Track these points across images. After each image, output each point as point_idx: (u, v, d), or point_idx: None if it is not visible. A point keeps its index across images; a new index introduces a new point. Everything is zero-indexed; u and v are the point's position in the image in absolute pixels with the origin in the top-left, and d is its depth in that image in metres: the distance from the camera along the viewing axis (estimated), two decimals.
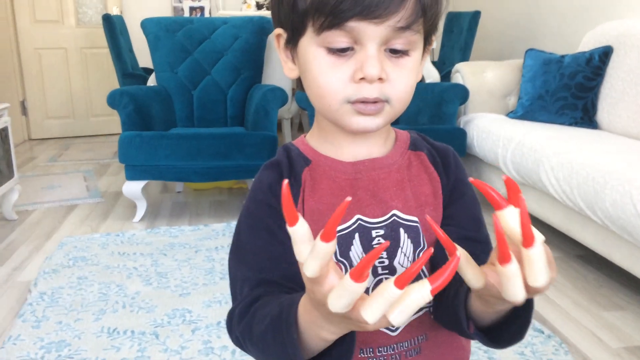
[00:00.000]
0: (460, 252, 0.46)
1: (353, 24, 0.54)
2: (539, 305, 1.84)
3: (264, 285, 0.59)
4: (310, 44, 0.58)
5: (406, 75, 0.58)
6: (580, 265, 2.20)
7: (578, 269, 2.16)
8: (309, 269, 0.41)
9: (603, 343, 1.65)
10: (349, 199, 0.41)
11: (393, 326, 0.43)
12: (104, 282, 2.08)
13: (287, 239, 0.60)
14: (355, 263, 0.61)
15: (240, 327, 0.58)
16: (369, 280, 0.61)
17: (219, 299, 1.93)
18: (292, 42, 0.61)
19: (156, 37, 3.13)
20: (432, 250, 0.43)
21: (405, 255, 0.62)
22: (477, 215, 0.66)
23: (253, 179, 0.66)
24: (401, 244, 0.62)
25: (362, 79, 0.56)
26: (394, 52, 0.57)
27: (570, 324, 1.76)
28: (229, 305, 1.88)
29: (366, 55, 0.55)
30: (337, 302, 0.41)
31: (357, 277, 0.40)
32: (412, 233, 0.62)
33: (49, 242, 2.54)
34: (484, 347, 1.58)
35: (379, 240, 0.61)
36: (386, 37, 0.55)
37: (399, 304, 0.41)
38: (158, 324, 1.77)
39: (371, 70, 0.55)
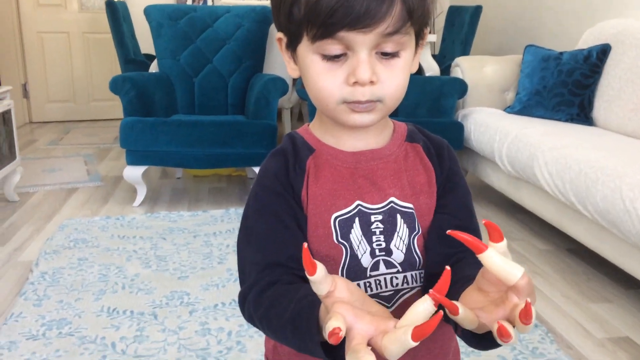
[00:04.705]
0: (461, 309, 0.51)
1: (343, 34, 0.58)
2: None
3: (272, 268, 0.63)
4: (307, 51, 0.62)
5: (397, 75, 0.62)
6: (571, 258, 2.25)
7: (568, 262, 2.21)
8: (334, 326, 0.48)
9: (588, 333, 1.70)
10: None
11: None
12: (104, 263, 2.12)
13: (292, 223, 0.65)
14: (354, 245, 0.65)
15: (257, 314, 0.62)
16: (367, 261, 0.65)
17: (216, 282, 1.97)
18: (292, 47, 0.65)
19: (159, 24, 3.15)
20: (441, 314, 0.47)
21: (401, 239, 0.66)
22: (469, 206, 0.71)
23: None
24: (397, 229, 0.66)
25: (355, 82, 0.60)
26: (385, 54, 0.61)
27: (558, 314, 1.80)
28: (226, 289, 1.93)
29: (358, 60, 0.59)
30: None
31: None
32: (408, 219, 0.67)
33: (50, 224, 2.58)
34: None
35: (377, 224, 0.66)
36: (376, 43, 0.59)
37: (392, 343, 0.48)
38: (157, 305, 1.81)
39: (362, 75, 0.59)
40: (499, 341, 0.50)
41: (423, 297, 0.48)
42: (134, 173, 2.79)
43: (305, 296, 0.57)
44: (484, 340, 0.56)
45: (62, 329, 1.66)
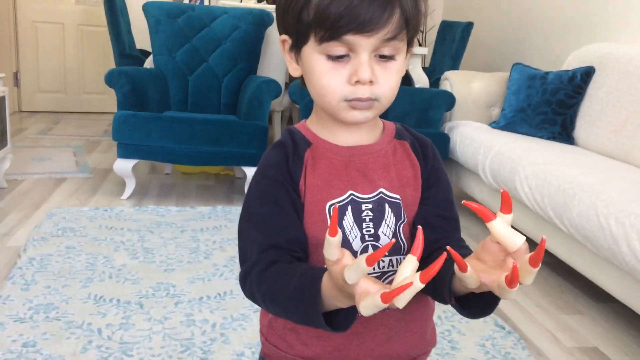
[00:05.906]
0: (469, 267, 0.57)
1: (349, 37, 0.66)
2: (503, 305, 1.96)
3: (272, 249, 0.69)
4: (313, 52, 0.69)
5: (392, 76, 0.70)
6: (546, 271, 2.33)
7: (544, 275, 2.29)
8: (350, 278, 0.54)
9: (559, 342, 1.77)
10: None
11: (399, 308, 0.54)
12: (91, 253, 2.15)
13: (291, 210, 0.72)
14: (346, 230, 0.72)
15: (261, 290, 0.68)
16: (358, 245, 0.72)
17: (202, 276, 2.02)
18: (296, 48, 0.72)
19: (157, 20, 3.20)
20: (445, 255, 0.54)
21: (388, 226, 0.73)
22: (450, 198, 0.79)
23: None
24: (385, 217, 0.73)
25: (357, 81, 0.67)
26: (383, 57, 0.68)
27: (531, 323, 1.88)
28: (212, 283, 1.97)
29: (360, 62, 0.67)
30: (351, 276, 0.54)
31: (370, 263, 0.53)
32: (395, 208, 0.74)
33: (38, 212, 2.61)
34: (448, 337, 1.69)
35: (367, 212, 0.73)
36: (376, 46, 0.67)
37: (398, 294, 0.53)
38: (143, 295, 1.85)
39: (364, 74, 0.67)
40: (502, 293, 0.57)
41: (407, 258, 0.55)
42: (124, 166, 2.82)
43: (307, 270, 0.64)
44: (476, 307, 0.64)
45: (49, 313, 1.69)
